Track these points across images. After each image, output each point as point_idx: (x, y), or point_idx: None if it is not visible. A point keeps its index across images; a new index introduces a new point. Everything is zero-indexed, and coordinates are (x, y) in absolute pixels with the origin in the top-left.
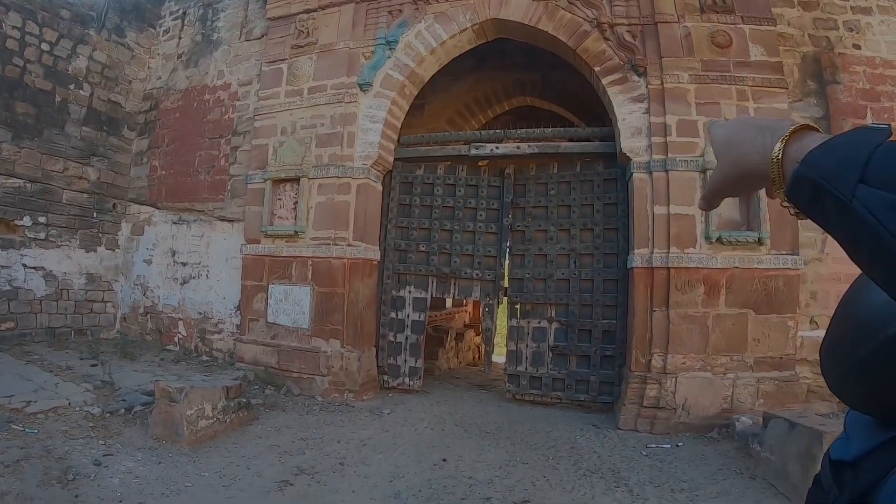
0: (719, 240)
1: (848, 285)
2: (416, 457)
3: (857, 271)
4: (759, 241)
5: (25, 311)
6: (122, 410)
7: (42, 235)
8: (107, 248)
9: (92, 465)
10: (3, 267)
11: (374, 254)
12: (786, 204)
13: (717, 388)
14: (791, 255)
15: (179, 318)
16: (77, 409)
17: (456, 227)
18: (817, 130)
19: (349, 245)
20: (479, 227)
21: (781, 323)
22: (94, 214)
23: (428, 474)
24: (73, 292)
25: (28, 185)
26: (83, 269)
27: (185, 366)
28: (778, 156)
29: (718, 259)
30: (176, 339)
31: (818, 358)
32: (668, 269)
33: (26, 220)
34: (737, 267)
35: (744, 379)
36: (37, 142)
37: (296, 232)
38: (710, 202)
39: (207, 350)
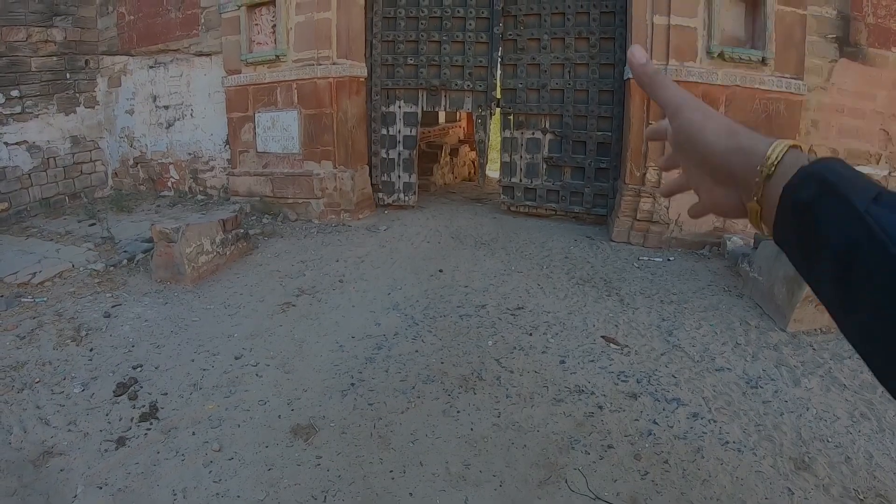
0: (721, 55)
1: (851, 118)
2: (413, 269)
3: (862, 105)
4: (763, 61)
5: (16, 188)
6: (125, 261)
7: (18, 109)
8: (86, 107)
9: (102, 318)
10: None
11: (361, 70)
12: (756, 211)
13: None
14: (795, 79)
15: (170, 163)
16: (81, 269)
17: (444, 38)
18: None
19: (334, 63)
20: (469, 36)
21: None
22: (68, 76)
23: (425, 285)
24: (59, 159)
25: None
26: (66, 133)
27: (182, 208)
28: (781, 152)
29: (719, 75)
30: (169, 183)
31: None
32: None
33: None
34: (738, 85)
35: None
36: None
37: (277, 56)
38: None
39: (202, 189)
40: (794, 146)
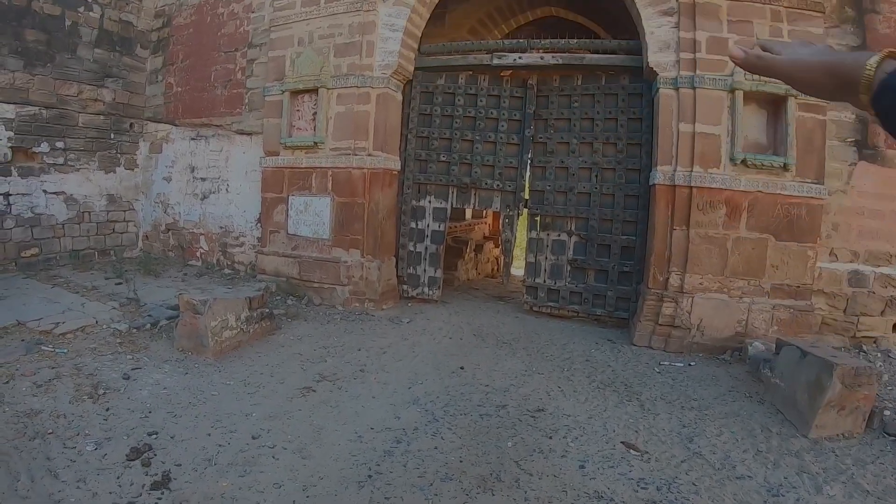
0: (744, 162)
1: (871, 219)
2: (435, 364)
3: (881, 206)
4: (785, 167)
5: (49, 236)
6: (148, 325)
7: (60, 161)
8: (126, 168)
9: (121, 379)
10: (24, 195)
11: (395, 164)
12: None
13: (733, 310)
14: (816, 183)
15: (201, 233)
16: (104, 326)
17: (477, 138)
18: None
19: (369, 155)
20: (501, 137)
21: (801, 252)
22: (112, 135)
23: (446, 381)
24: (94, 214)
25: (43, 111)
26: (103, 190)
27: (208, 279)
28: (874, 64)
29: (742, 181)
30: (198, 253)
31: (834, 291)
32: (691, 187)
33: (44, 147)
34: (760, 191)
35: (759, 304)
36: (49, 68)
37: (315, 143)
38: (756, 65)
39: (229, 263)
40: (890, 55)
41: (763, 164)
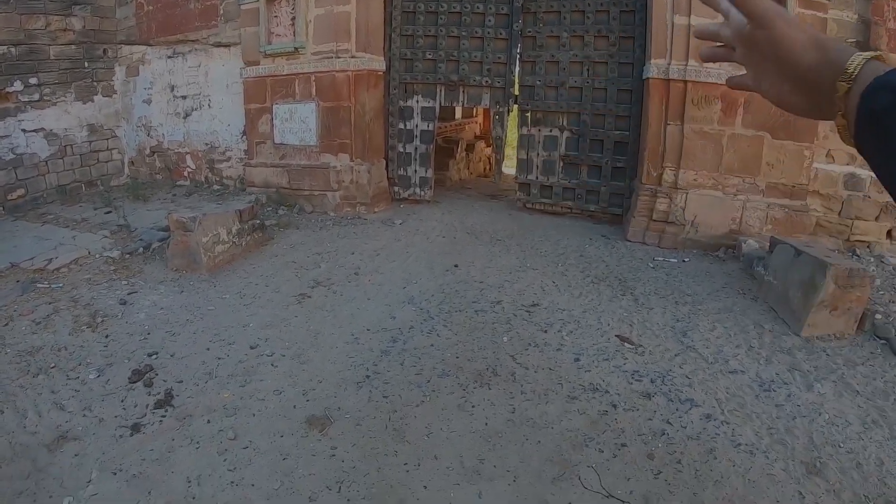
0: None
1: None
2: (429, 264)
3: None
4: None
5: (33, 175)
6: (141, 249)
7: (36, 97)
8: (104, 96)
9: (118, 305)
10: (2, 137)
11: (380, 64)
12: (840, 119)
13: (727, 207)
14: None
15: (186, 153)
16: (97, 256)
17: (464, 34)
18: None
19: (352, 57)
20: (488, 32)
21: (798, 151)
22: (86, 64)
23: (440, 280)
24: (76, 146)
25: (12, 49)
26: (83, 121)
27: (198, 198)
28: (860, 63)
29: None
30: (185, 173)
31: (829, 193)
32: (686, 82)
33: (17, 85)
34: None
35: (754, 202)
36: (12, 3)
37: (296, 48)
38: (711, 56)
39: (218, 180)
40: (876, 58)
41: None
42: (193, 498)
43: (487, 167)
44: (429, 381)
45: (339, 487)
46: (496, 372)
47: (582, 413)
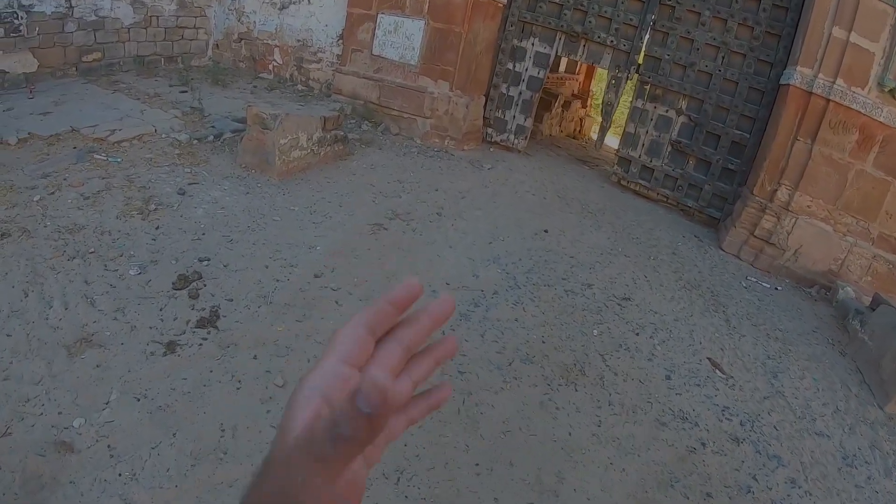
0: (892, 92)
1: None
2: (517, 221)
3: None
4: None
5: (112, 40)
6: (211, 137)
7: None
8: None
9: (176, 194)
10: None
11: None
12: None
13: (833, 246)
14: None
15: (276, 45)
16: (163, 136)
17: None
18: None
19: None
20: None
21: None
22: None
23: (528, 243)
24: (163, 19)
25: None
26: None
27: (279, 94)
28: None
29: (884, 112)
30: (270, 66)
31: None
32: (829, 100)
33: None
34: None
35: (861, 248)
36: None
37: None
38: None
39: (303, 80)
40: None
41: None
42: (224, 453)
43: (578, 128)
44: (510, 364)
45: (398, 478)
46: (584, 371)
47: (670, 445)
